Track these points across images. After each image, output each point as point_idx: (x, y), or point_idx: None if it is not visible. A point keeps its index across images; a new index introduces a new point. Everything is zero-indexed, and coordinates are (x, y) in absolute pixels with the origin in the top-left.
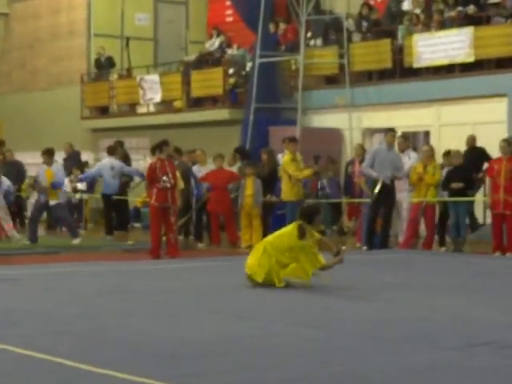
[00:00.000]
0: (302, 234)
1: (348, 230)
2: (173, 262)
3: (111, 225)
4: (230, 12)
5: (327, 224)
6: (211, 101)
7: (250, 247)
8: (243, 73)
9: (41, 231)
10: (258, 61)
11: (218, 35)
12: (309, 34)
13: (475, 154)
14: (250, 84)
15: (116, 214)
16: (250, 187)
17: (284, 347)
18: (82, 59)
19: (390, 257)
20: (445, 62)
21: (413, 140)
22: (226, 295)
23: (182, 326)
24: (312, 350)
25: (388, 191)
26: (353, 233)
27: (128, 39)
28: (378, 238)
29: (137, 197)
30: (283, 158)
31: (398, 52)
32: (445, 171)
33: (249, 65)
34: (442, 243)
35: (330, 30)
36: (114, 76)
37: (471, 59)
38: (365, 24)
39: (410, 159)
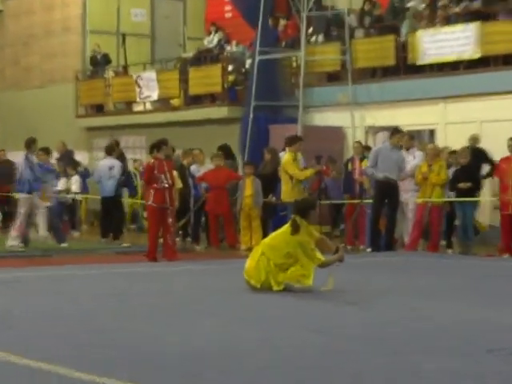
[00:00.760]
0: (294, 229)
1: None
2: (170, 264)
3: (107, 227)
4: (228, 8)
5: (329, 226)
6: (210, 98)
7: (250, 250)
8: (242, 70)
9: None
10: (257, 57)
11: (216, 31)
12: (310, 30)
13: (475, 155)
14: (250, 81)
15: (113, 215)
16: (250, 187)
17: (286, 350)
18: (76, 56)
19: (394, 259)
20: (450, 58)
21: (418, 139)
22: (226, 298)
23: (181, 329)
24: (314, 353)
25: (391, 191)
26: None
27: (124, 36)
28: (382, 239)
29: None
30: (283, 157)
31: (402, 48)
32: (451, 171)
33: (248, 61)
34: (448, 245)
35: (332, 26)
36: (109, 73)
37: (477, 55)
38: (367, 20)
39: (414, 158)
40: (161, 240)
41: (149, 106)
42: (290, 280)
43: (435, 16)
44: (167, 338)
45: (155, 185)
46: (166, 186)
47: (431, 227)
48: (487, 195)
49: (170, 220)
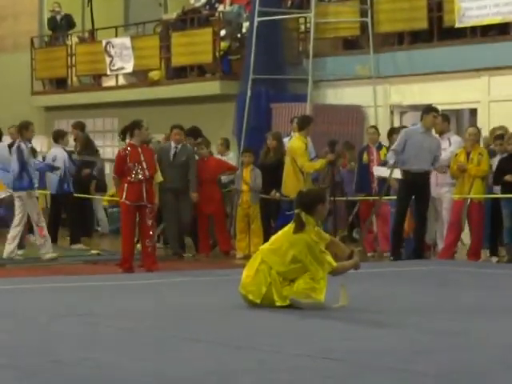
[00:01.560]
0: (298, 225)
1: (359, 236)
2: (149, 276)
3: (55, 231)
4: None
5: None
6: (197, 71)
7: (248, 258)
8: (238, 35)
9: None
10: (257, 19)
11: None
12: None
13: None
14: (248, 49)
15: (69, 216)
16: (248, 179)
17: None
18: (31, 18)
19: (425, 269)
20: (496, 20)
21: (455, 120)
22: (216, 319)
23: (158, 359)
24: None
25: (422, 185)
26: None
27: None
28: (410, 245)
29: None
30: (290, 142)
31: (437, 8)
32: (496, 160)
33: (245, 25)
34: (493, 252)
35: None
36: (73, 40)
37: None
38: None
39: (450, 145)
40: (138, 246)
41: (122, 81)
42: (297, 295)
43: None
44: (140, 369)
45: (128, 177)
46: (142, 178)
47: (471, 230)
48: None
49: (149, 221)
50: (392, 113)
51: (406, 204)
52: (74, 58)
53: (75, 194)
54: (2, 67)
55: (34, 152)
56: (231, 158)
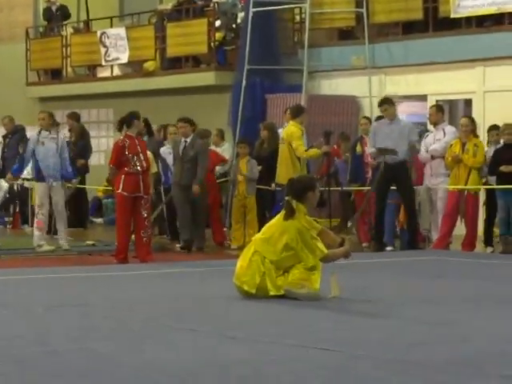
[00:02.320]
0: (289, 212)
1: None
2: (143, 267)
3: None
4: None
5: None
6: (192, 61)
7: (242, 248)
8: (233, 26)
9: None
10: (251, 10)
11: None
12: None
13: None
14: (243, 40)
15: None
16: (244, 171)
17: (287, 376)
18: (27, 9)
19: (419, 260)
20: (491, 10)
21: (450, 111)
22: (210, 309)
23: (153, 349)
24: (323, 379)
25: (398, 173)
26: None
27: None
28: (405, 235)
29: (96, 184)
30: (286, 129)
31: None
32: (491, 150)
33: (240, 15)
34: (487, 243)
35: None
36: (68, 30)
37: None
38: None
39: (445, 135)
40: (133, 237)
41: (117, 71)
42: (292, 285)
43: None
44: (135, 359)
45: (126, 168)
46: (140, 169)
47: (465, 220)
48: None
49: (145, 212)
50: None
51: (382, 194)
52: (68, 48)
53: None
54: None
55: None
56: (226, 149)
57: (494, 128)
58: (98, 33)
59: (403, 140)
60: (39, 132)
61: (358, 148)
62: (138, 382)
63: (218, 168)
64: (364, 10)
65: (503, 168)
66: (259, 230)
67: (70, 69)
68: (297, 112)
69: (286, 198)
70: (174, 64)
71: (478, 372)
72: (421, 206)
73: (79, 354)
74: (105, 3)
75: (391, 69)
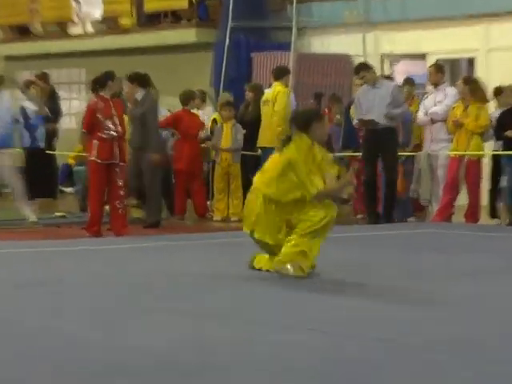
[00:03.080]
0: (284, 142)
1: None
2: (118, 240)
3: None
4: None
5: None
6: (172, 17)
7: (225, 220)
8: None
9: None
10: None
11: None
12: None
13: None
14: None
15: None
16: (229, 136)
17: (275, 359)
18: None
19: (418, 233)
20: None
21: (452, 71)
22: (191, 288)
23: (130, 331)
24: (314, 362)
25: (381, 140)
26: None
27: None
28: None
29: (67, 149)
30: (272, 89)
31: None
32: (496, 114)
33: None
34: (492, 213)
35: None
36: None
37: None
38: None
39: (446, 97)
40: (107, 208)
41: (90, 28)
42: (284, 258)
43: None
44: (111, 342)
45: (99, 133)
46: (115, 134)
47: (468, 189)
48: None
49: (120, 181)
50: (383, 62)
51: (369, 164)
52: (36, 3)
53: None
54: None
55: None
56: (209, 112)
57: (499, 90)
58: None
59: (386, 103)
60: None
61: (352, 112)
62: (113, 363)
63: (200, 133)
64: None
65: (508, 133)
66: (244, 200)
67: (38, 25)
68: (280, 73)
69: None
70: (151, 20)
71: (476, 350)
72: (420, 173)
73: (47, 333)
74: None
75: (387, 25)
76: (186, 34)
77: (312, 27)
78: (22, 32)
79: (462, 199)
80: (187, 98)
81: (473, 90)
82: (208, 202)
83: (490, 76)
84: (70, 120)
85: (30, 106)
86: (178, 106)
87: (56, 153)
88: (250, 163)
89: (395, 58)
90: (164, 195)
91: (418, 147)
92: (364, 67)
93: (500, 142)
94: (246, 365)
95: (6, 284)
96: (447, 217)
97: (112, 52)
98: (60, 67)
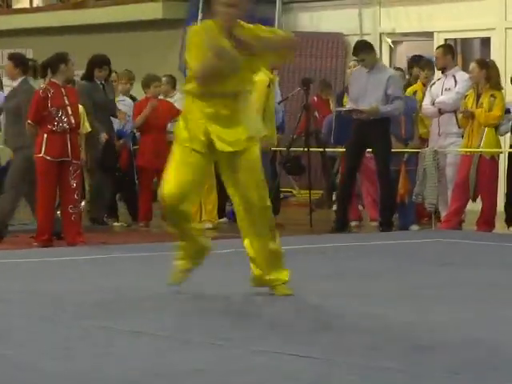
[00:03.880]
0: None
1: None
2: (72, 251)
3: None
4: None
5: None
6: None
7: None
8: None
9: None
10: None
11: None
12: None
13: None
14: None
15: None
16: None
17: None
18: None
19: (422, 242)
20: None
21: (463, 52)
22: (156, 305)
23: (85, 355)
24: None
25: (369, 133)
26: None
27: None
28: (403, 212)
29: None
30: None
31: None
32: None
33: None
34: (509, 221)
35: None
36: None
37: None
38: None
39: (456, 84)
40: (59, 213)
41: (38, 2)
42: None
43: None
44: (60, 369)
45: (49, 126)
46: (67, 127)
47: (481, 192)
48: None
49: (74, 182)
50: (382, 42)
51: (352, 158)
52: None
53: None
54: None
55: None
56: (179, 99)
57: None
58: None
59: (379, 94)
60: None
61: (346, 101)
62: None
63: (170, 125)
64: None
65: None
66: (220, 205)
67: None
68: None
69: None
70: None
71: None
72: (426, 174)
73: None
74: None
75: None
76: (151, 9)
77: (299, 1)
78: None
79: (474, 204)
80: (146, 83)
81: (489, 75)
82: None
83: (508, 59)
84: None
85: None
86: (140, 93)
87: None
88: None
89: (397, 38)
90: (125, 198)
91: (423, 142)
92: (365, 48)
93: None
94: None
95: None
96: (456, 224)
97: (64, 29)
98: (3, 47)
